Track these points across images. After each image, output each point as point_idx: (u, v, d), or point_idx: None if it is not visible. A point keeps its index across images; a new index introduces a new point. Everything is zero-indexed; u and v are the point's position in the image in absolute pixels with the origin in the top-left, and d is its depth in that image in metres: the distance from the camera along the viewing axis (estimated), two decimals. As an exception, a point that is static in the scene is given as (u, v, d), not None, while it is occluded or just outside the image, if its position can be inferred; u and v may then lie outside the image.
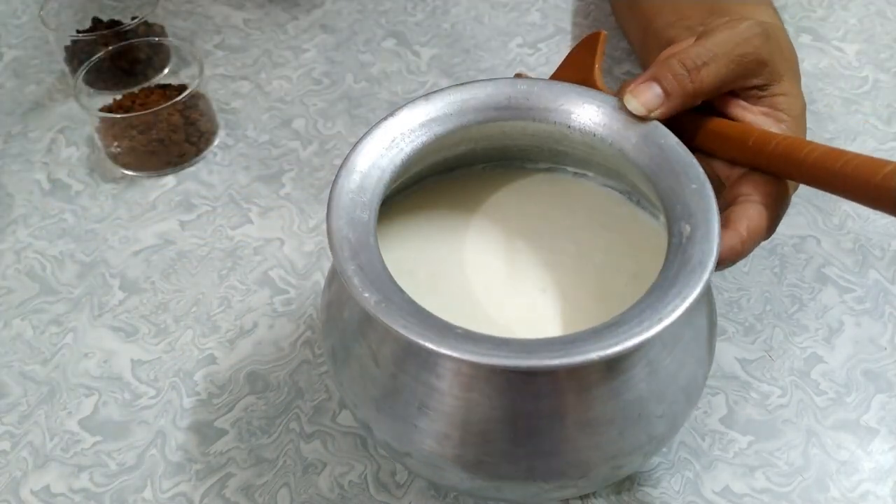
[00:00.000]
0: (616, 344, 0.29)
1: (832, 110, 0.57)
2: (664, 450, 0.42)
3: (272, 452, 0.43)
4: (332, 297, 0.37)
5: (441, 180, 0.42)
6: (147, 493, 0.41)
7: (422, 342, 0.29)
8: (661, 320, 0.29)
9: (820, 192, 0.52)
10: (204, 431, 0.44)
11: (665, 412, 0.34)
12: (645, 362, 0.33)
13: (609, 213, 0.41)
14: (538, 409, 0.32)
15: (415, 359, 0.33)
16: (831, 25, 0.64)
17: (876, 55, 0.61)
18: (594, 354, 0.28)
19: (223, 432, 0.44)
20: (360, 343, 0.35)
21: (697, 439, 0.42)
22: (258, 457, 0.42)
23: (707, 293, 0.37)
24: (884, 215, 0.51)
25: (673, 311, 0.29)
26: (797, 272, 0.49)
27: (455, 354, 0.29)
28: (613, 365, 0.32)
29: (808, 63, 0.61)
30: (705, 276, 0.30)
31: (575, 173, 0.42)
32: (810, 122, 0.57)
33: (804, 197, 0.52)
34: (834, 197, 0.52)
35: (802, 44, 0.62)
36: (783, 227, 0.51)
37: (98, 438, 0.44)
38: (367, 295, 0.30)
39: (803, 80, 0.59)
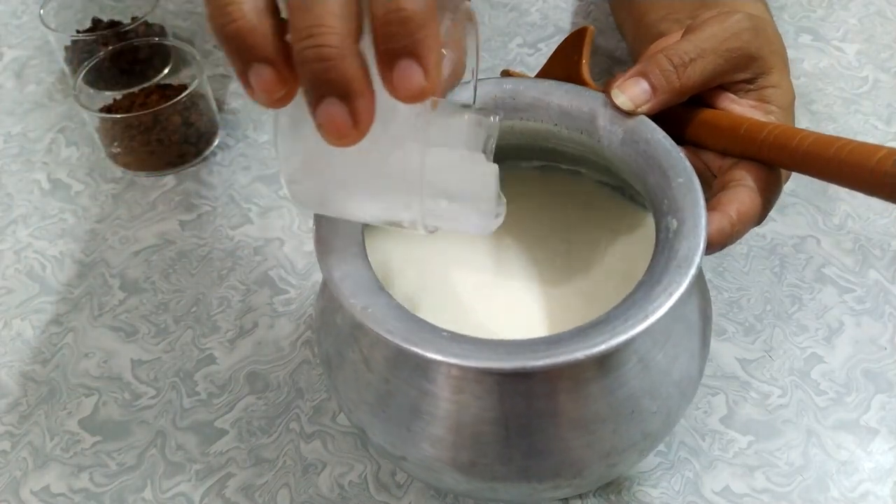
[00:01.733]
0: (602, 343, 0.28)
1: (832, 110, 0.57)
2: (664, 449, 0.42)
3: (272, 452, 0.43)
4: (326, 302, 0.37)
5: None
6: (147, 493, 0.41)
7: (407, 346, 0.29)
8: (646, 317, 0.29)
9: (820, 193, 0.52)
10: (204, 431, 0.44)
11: (659, 408, 0.33)
12: (636, 358, 0.32)
13: (601, 210, 0.41)
14: (529, 409, 0.32)
15: (405, 363, 0.33)
16: (831, 25, 0.64)
17: (876, 55, 0.61)
18: (580, 353, 0.28)
19: (223, 432, 0.44)
20: (352, 348, 0.35)
21: (697, 439, 0.42)
22: (258, 457, 0.42)
23: (699, 286, 0.37)
24: (884, 215, 0.51)
25: (659, 307, 0.29)
26: (797, 272, 0.49)
27: (440, 358, 0.29)
28: (604, 362, 0.32)
29: (808, 63, 0.61)
30: (692, 271, 0.30)
31: (568, 170, 0.42)
32: (810, 123, 0.57)
33: (804, 197, 0.52)
34: (834, 197, 0.52)
35: (802, 44, 0.62)
36: (783, 227, 0.51)
37: (98, 438, 0.44)
38: (353, 301, 0.30)
39: (803, 80, 0.60)
